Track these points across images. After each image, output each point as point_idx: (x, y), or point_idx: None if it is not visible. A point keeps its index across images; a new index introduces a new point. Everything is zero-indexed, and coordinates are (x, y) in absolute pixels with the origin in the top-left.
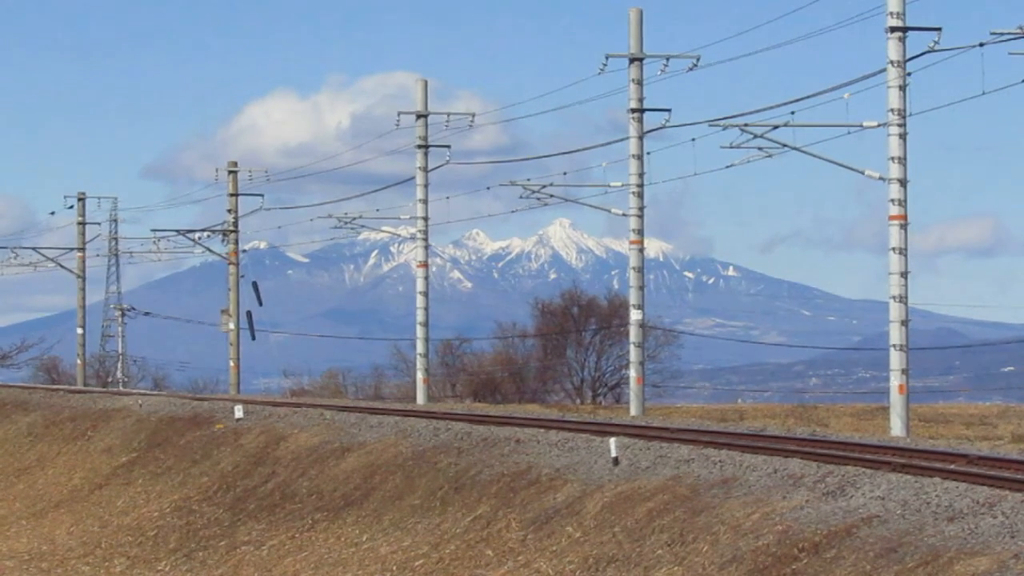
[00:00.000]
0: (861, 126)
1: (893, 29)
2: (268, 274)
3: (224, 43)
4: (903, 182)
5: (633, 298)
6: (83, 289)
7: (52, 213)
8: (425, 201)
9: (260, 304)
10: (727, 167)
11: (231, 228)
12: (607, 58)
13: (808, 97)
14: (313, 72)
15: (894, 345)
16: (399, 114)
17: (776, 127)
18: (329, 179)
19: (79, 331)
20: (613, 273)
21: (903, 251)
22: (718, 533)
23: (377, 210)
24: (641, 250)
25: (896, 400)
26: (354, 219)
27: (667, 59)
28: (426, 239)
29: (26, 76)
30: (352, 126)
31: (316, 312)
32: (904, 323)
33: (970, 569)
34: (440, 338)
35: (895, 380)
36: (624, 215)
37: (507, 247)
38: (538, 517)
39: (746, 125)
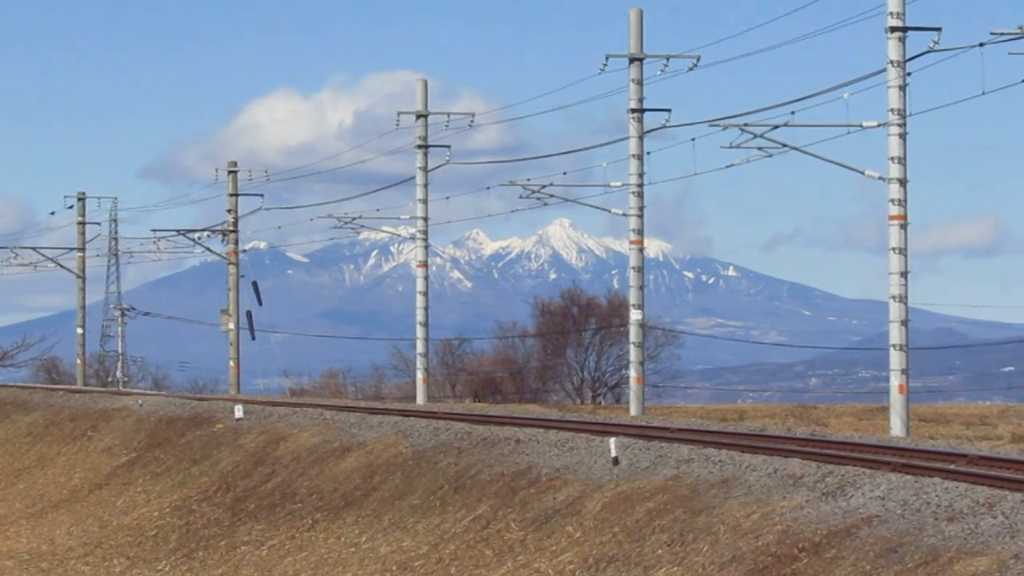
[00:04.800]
0: (861, 126)
1: (893, 29)
2: (268, 274)
3: (226, 42)
4: (903, 182)
5: (633, 298)
6: (83, 289)
7: (52, 213)
8: (425, 201)
9: (260, 304)
10: (727, 167)
11: (231, 228)
12: (607, 58)
13: (808, 97)
14: (316, 71)
15: (894, 345)
16: (399, 114)
17: (776, 127)
18: (330, 179)
19: (79, 331)
20: (613, 273)
21: (903, 251)
22: (718, 533)
23: (377, 210)
24: (641, 250)
25: (896, 400)
26: (354, 219)
27: (667, 59)
28: (426, 239)
29: (26, 76)
30: (354, 125)
31: (316, 312)
32: (904, 323)
33: (970, 569)
34: (440, 338)
35: (895, 380)
36: (624, 215)
37: (507, 247)
38: (538, 517)
39: (746, 125)
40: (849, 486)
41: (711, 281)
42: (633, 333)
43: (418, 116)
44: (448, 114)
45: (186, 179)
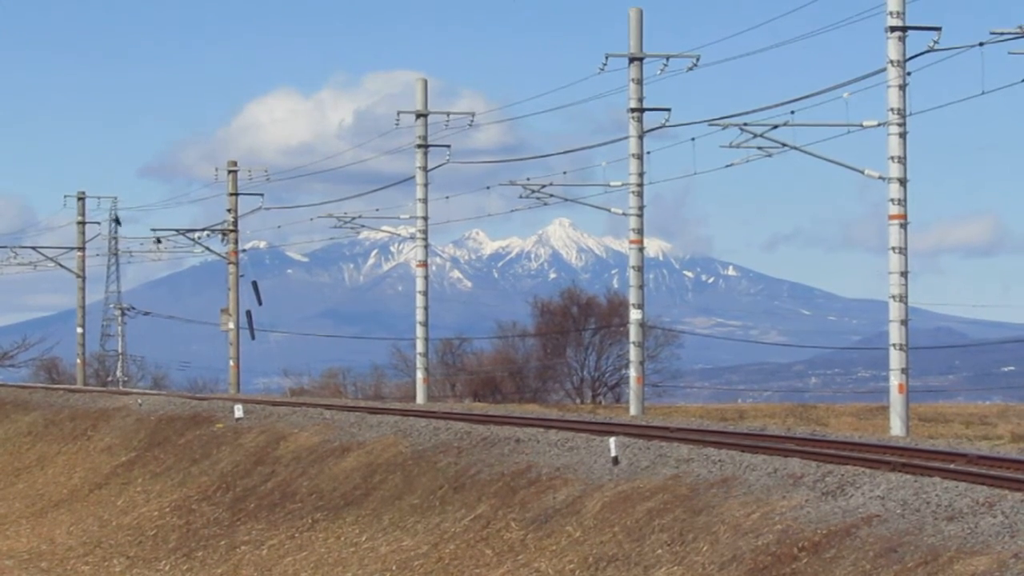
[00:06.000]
0: (861, 126)
1: (893, 28)
2: (268, 273)
3: (226, 42)
4: (903, 181)
5: (633, 297)
6: (83, 288)
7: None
8: (425, 201)
9: (260, 303)
10: (727, 166)
11: (231, 228)
12: (607, 58)
13: (808, 96)
14: (316, 71)
15: (894, 344)
16: (399, 113)
17: (776, 126)
18: (330, 178)
19: (79, 330)
20: (613, 272)
21: (903, 250)
22: (718, 532)
23: (377, 209)
24: (641, 249)
25: (896, 399)
26: (354, 219)
27: (667, 59)
28: (426, 239)
29: (26, 76)
30: (354, 125)
31: (316, 311)
32: (904, 322)
33: (970, 569)
34: (440, 337)
35: (895, 379)
36: (624, 214)
37: (507, 246)
38: (538, 517)
39: (746, 124)
40: (849, 486)
41: (711, 281)
42: (633, 333)
43: (418, 116)
44: (448, 114)
45: (186, 179)
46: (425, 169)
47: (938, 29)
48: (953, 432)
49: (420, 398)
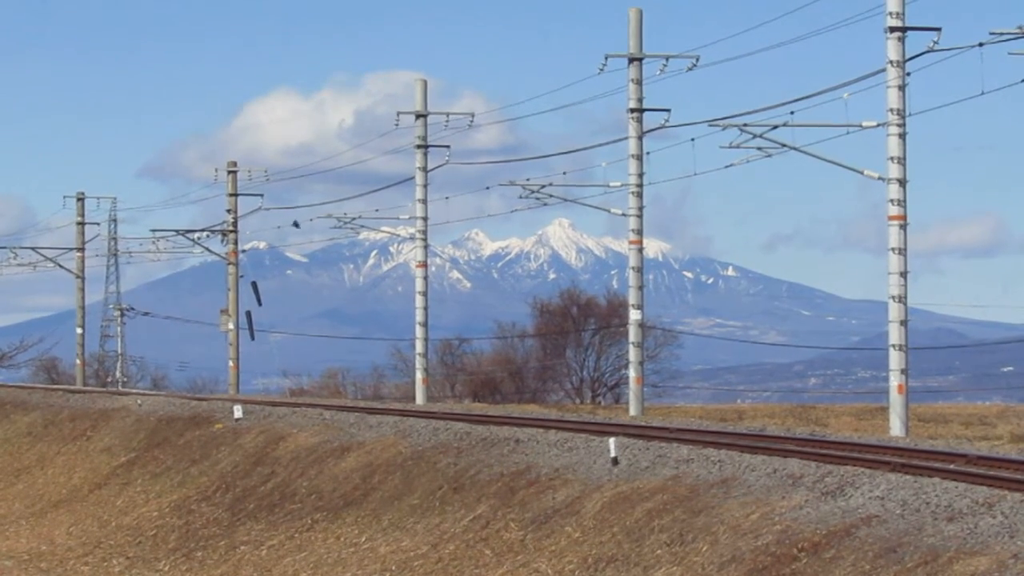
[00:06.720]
0: (860, 126)
1: (892, 29)
2: (267, 274)
3: (226, 42)
4: (902, 182)
5: (632, 298)
6: (82, 289)
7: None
8: (424, 201)
9: (259, 304)
10: (727, 167)
11: (230, 228)
12: (607, 58)
13: (808, 97)
14: (316, 71)
15: (893, 345)
16: (398, 114)
17: (776, 127)
18: (330, 179)
19: (78, 331)
20: (612, 273)
21: (902, 251)
22: (717, 533)
23: (376, 210)
24: (640, 250)
25: (895, 400)
26: (353, 219)
27: (666, 59)
28: (425, 239)
29: (26, 76)
30: (354, 125)
31: (315, 312)
32: (903, 323)
33: (969, 569)
34: (439, 338)
35: (894, 380)
36: (624, 215)
37: (506, 247)
38: (537, 517)
39: (745, 125)
40: (848, 486)
41: (710, 281)
42: (632, 333)
43: (417, 116)
44: (448, 114)
45: (185, 179)
46: (425, 169)
47: (938, 29)
48: (952, 432)
49: (419, 398)
